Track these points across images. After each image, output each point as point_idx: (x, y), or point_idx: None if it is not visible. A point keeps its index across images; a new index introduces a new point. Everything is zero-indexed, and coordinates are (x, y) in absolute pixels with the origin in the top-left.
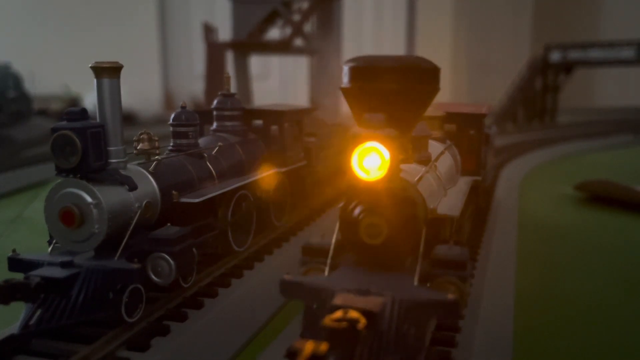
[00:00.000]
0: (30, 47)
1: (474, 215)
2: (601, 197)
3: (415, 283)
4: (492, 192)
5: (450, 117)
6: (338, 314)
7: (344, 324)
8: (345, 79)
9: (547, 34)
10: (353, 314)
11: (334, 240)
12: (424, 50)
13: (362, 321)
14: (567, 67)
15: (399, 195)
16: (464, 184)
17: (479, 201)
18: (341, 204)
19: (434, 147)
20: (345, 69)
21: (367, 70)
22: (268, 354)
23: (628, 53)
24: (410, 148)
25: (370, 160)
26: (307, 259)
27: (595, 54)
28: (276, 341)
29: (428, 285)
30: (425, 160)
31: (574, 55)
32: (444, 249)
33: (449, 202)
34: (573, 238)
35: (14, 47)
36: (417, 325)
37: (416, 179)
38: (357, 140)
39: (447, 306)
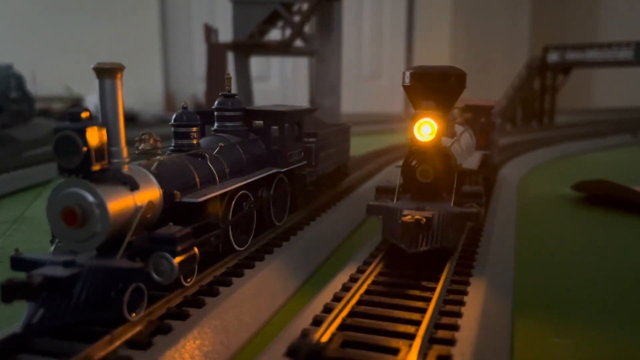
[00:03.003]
0: (32, 48)
1: (484, 179)
2: (599, 197)
3: (451, 207)
4: (496, 168)
5: (468, 107)
6: (408, 217)
7: (412, 220)
8: (407, 80)
9: (546, 35)
10: (417, 216)
11: (398, 183)
12: (423, 51)
13: (423, 220)
14: (566, 68)
15: (441, 151)
16: (477, 154)
17: (487, 171)
18: (401, 162)
19: (457, 129)
20: (407, 74)
21: (422, 75)
22: (269, 353)
23: (626, 54)
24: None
25: (425, 129)
26: (379, 195)
27: (593, 55)
28: (276, 339)
29: None
30: (452, 136)
31: (572, 56)
32: (468, 188)
33: (469, 162)
34: (571, 237)
35: (15, 48)
36: (454, 228)
37: (449, 144)
38: (417, 117)
39: (472, 215)
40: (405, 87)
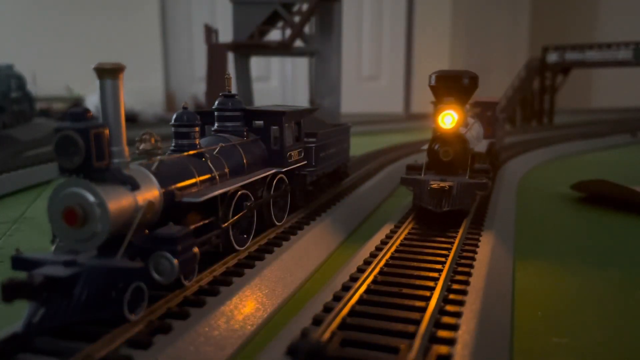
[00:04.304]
0: (32, 48)
1: (491, 162)
2: (598, 196)
3: (466, 179)
4: (499, 154)
5: (477, 103)
6: (435, 185)
7: (439, 187)
8: (432, 81)
9: (545, 35)
10: (443, 185)
11: (424, 162)
12: (423, 52)
13: (447, 187)
14: (565, 69)
15: (459, 137)
16: (485, 141)
17: (492, 155)
18: (426, 146)
19: (469, 120)
20: (433, 76)
21: (444, 77)
22: (269, 351)
23: (625, 54)
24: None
25: (447, 119)
26: (410, 172)
27: (592, 55)
28: (279, 335)
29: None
30: (466, 126)
31: (572, 56)
32: (479, 165)
33: (479, 147)
34: (569, 236)
35: (16, 49)
36: (469, 195)
37: (464, 132)
38: (441, 109)
39: (482, 185)
40: (431, 87)
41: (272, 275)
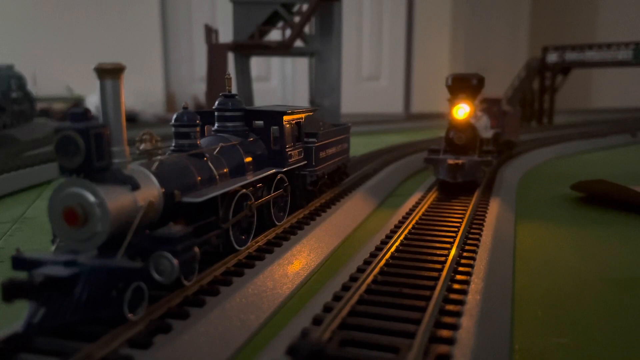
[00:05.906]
0: (33, 48)
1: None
2: (598, 196)
3: (476, 158)
4: (512, 146)
5: (484, 100)
6: (451, 161)
7: (455, 163)
8: (449, 82)
9: (545, 35)
10: (457, 162)
11: (442, 146)
12: (423, 52)
13: (460, 163)
14: (565, 69)
15: (470, 125)
16: (491, 131)
17: (498, 143)
18: (445, 134)
19: (478, 114)
20: (450, 78)
21: (458, 78)
22: (269, 351)
23: (625, 54)
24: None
25: (460, 111)
26: (430, 153)
27: (592, 55)
28: (279, 335)
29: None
30: (475, 118)
31: (572, 56)
32: (486, 147)
33: (486, 135)
34: (569, 236)
35: (16, 49)
36: (478, 170)
37: (474, 122)
38: (455, 103)
39: (487, 162)
40: (447, 86)
41: (272, 275)
